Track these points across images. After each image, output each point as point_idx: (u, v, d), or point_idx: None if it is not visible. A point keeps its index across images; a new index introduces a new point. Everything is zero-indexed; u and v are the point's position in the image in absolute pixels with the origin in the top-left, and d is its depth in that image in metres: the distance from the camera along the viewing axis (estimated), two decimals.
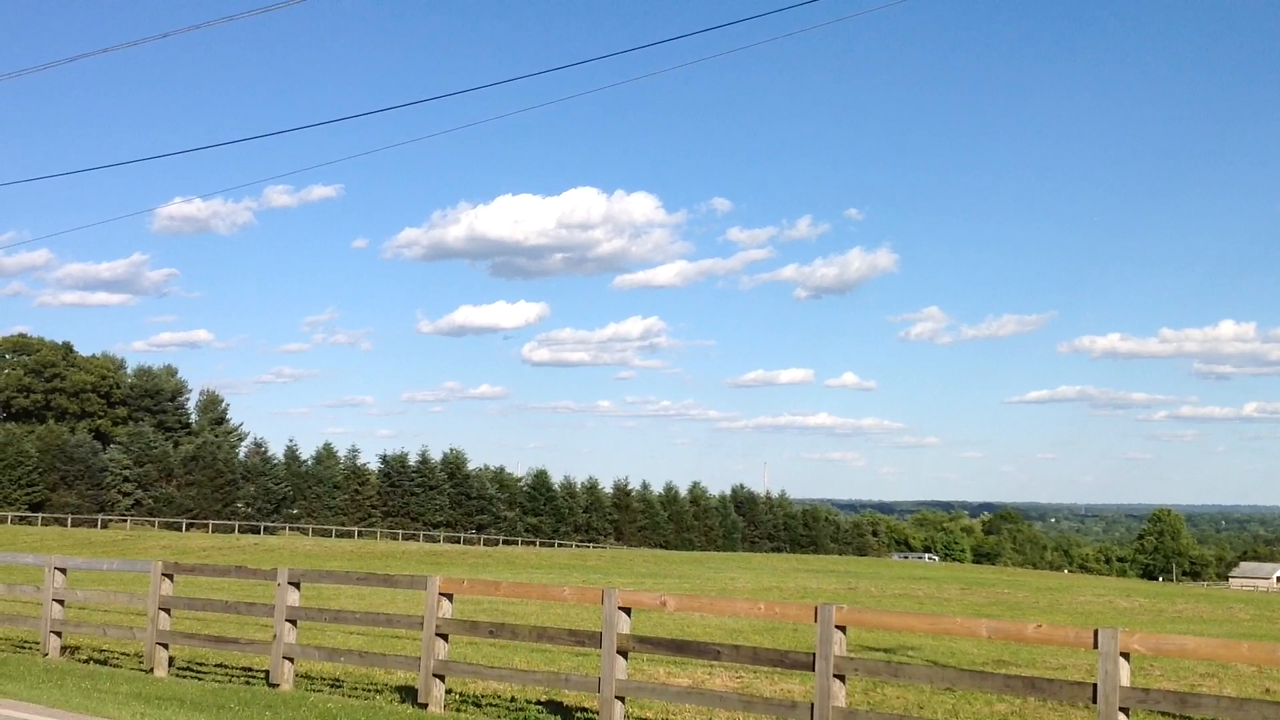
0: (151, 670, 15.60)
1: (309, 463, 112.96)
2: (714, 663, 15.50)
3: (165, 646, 15.83)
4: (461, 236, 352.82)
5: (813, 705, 10.62)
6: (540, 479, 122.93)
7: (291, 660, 14.56)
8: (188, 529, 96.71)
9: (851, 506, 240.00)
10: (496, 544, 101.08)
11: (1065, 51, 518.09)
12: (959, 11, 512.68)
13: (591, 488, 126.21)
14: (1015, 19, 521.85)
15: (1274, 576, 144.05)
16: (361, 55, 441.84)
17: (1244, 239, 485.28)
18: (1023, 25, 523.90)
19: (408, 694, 13.64)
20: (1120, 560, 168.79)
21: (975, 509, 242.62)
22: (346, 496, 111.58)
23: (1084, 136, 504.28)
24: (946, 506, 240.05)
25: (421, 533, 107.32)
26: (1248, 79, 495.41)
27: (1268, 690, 15.79)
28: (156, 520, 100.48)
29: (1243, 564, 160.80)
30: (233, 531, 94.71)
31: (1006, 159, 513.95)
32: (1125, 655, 9.26)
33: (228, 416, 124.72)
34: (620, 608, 11.94)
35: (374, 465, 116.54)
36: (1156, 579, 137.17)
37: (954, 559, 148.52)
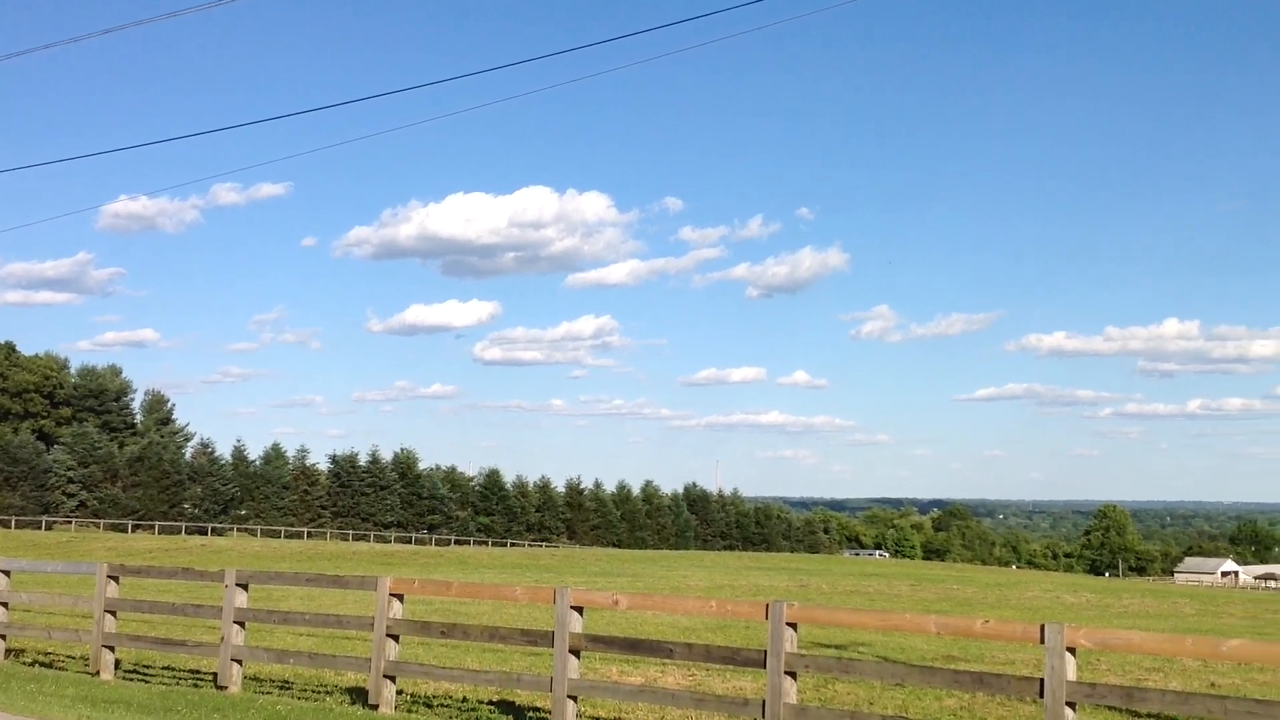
0: (98, 673, 15.41)
1: (257, 463, 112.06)
2: (667, 661, 15.53)
3: (111, 649, 15.63)
4: (412, 235, 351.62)
5: (764, 702, 10.66)
6: (492, 478, 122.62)
7: (240, 662, 14.43)
8: (134, 530, 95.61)
9: (803, 504, 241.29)
10: (448, 544, 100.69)
11: (1013, 52, 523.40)
12: (909, 11, 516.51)
13: (544, 487, 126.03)
14: (966, 18, 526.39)
15: (1218, 572, 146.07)
16: (311, 51, 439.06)
17: (1188, 239, 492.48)
18: (972, 24, 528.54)
19: (358, 695, 13.55)
20: (1067, 556, 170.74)
21: (925, 506, 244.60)
22: (296, 497, 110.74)
23: (1032, 137, 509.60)
24: (897, 504, 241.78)
25: (372, 533, 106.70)
26: (1196, 81, 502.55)
27: (1213, 684, 16.03)
28: (102, 522, 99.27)
29: (1187, 559, 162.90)
30: (180, 533, 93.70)
31: (955, 159, 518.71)
32: (1072, 650, 9.35)
33: (174, 417, 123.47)
34: (572, 607, 11.93)
35: (324, 465, 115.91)
36: (1103, 575, 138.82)
37: (904, 555, 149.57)
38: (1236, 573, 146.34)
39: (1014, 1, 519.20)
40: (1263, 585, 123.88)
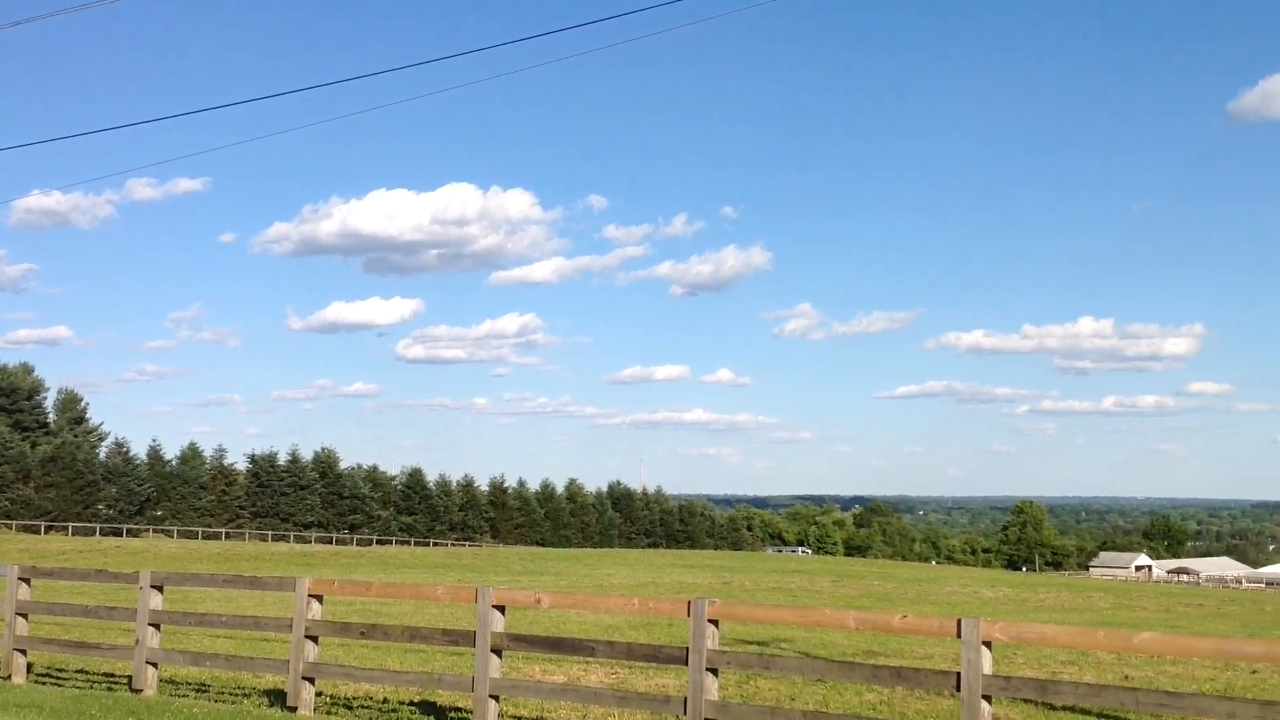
0: (9, 677, 15.09)
1: (173, 463, 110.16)
2: (589, 659, 15.51)
3: (23, 652, 15.31)
4: (333, 231, 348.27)
5: (686, 699, 10.69)
6: (415, 477, 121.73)
7: (155, 665, 14.21)
8: (46, 532, 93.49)
9: (727, 501, 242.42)
10: (370, 544, 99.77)
11: (931, 53, 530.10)
12: (829, 12, 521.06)
13: (467, 486, 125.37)
14: (885, 20, 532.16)
15: (1132, 566, 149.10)
16: (230, 44, 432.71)
17: (1102, 238, 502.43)
18: (891, 26, 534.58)
19: (276, 697, 13.40)
20: (985, 551, 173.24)
21: (847, 503, 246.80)
22: (213, 497, 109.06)
23: (949, 137, 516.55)
24: (819, 500, 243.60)
25: (292, 533, 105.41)
26: (1107, 82, 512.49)
27: (1126, 677, 16.32)
28: (14, 523, 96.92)
29: (1102, 554, 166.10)
30: (94, 534, 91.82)
31: (876, 158, 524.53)
32: (988, 644, 9.49)
33: (88, 416, 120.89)
34: (495, 606, 11.89)
35: (242, 465, 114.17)
36: (1020, 569, 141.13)
37: (826, 552, 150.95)
38: (1150, 567, 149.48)
39: (931, 3, 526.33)
40: (1175, 579, 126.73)
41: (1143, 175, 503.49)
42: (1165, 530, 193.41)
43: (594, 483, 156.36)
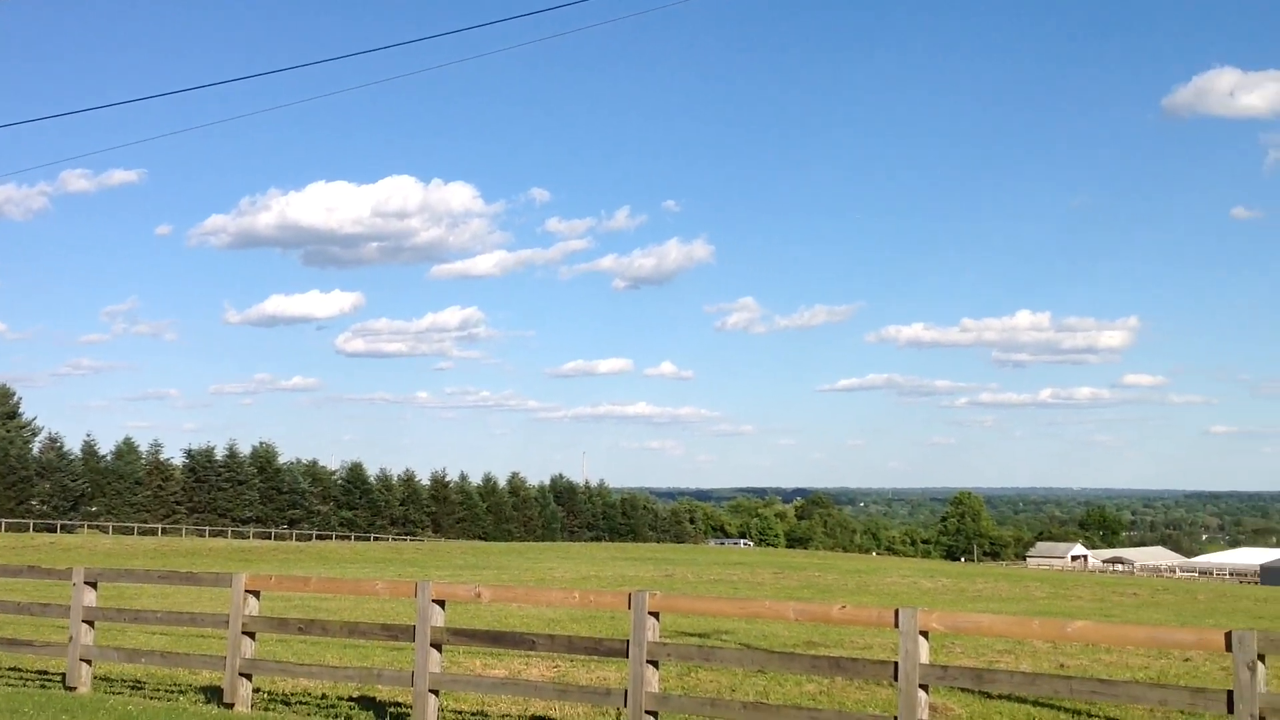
0: None
1: (108, 458, 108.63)
2: (530, 653, 15.48)
3: None
4: (272, 224, 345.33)
5: (626, 692, 10.71)
6: (355, 472, 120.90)
7: (89, 662, 14.02)
8: None
9: (669, 494, 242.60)
10: (310, 539, 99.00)
11: (872, 47, 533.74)
12: (771, 6, 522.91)
13: (408, 480, 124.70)
14: (824, 15, 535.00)
15: (1068, 556, 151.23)
16: (166, 34, 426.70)
17: (1039, 233, 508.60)
18: (831, 21, 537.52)
19: (213, 694, 13.27)
20: (925, 542, 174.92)
21: (789, 495, 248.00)
22: (149, 493, 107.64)
23: (891, 131, 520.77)
24: (761, 493, 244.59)
25: (230, 529, 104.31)
26: (1043, 76, 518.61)
27: (1062, 665, 16.54)
28: None
29: (1039, 544, 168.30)
30: (27, 530, 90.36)
31: (817, 152, 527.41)
32: (925, 634, 9.58)
33: (20, 410, 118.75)
34: (434, 600, 11.84)
35: (179, 460, 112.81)
36: (959, 560, 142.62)
37: (768, 544, 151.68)
38: (1085, 556, 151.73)
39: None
40: (1110, 569, 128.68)
41: (1079, 170, 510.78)
42: (1100, 521, 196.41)
43: (536, 476, 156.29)
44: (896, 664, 9.57)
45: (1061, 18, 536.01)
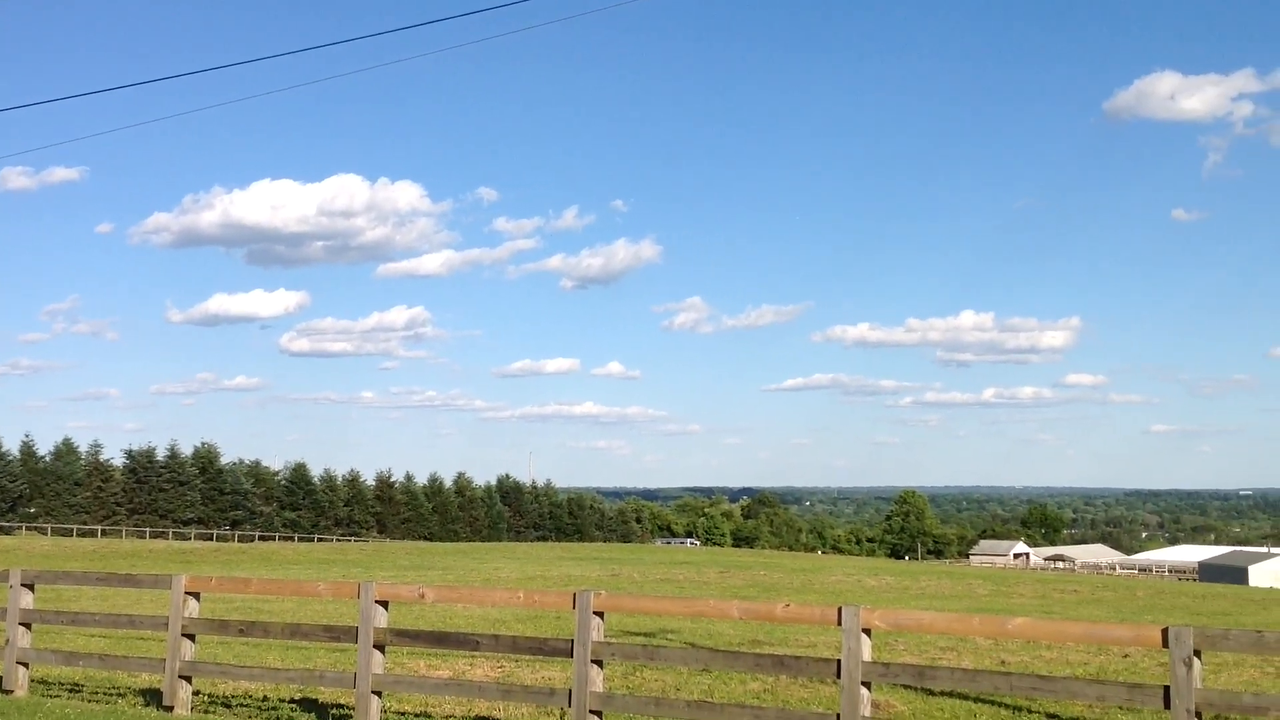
0: None
1: (47, 459, 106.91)
2: (475, 653, 15.43)
3: None
4: (215, 222, 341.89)
5: (571, 691, 10.69)
6: (299, 472, 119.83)
7: (26, 665, 13.83)
8: None
9: (617, 494, 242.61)
10: (252, 540, 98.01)
11: (818, 46, 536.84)
12: (718, 7, 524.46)
13: (353, 480, 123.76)
14: (772, 13, 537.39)
15: (1010, 553, 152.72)
16: (108, 29, 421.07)
17: (983, 234, 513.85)
18: (777, 19, 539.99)
19: (152, 696, 13.12)
20: (870, 541, 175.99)
21: (735, 494, 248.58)
22: (89, 494, 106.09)
23: (836, 132, 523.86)
24: (708, 492, 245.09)
25: (171, 530, 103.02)
26: (987, 79, 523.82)
27: (1003, 662, 16.70)
28: None
29: (982, 542, 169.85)
30: None
31: (764, 153, 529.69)
32: (867, 631, 9.64)
33: None
34: (377, 601, 11.76)
35: (119, 461, 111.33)
36: (903, 558, 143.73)
37: (714, 543, 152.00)
38: (1027, 554, 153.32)
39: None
40: (1051, 566, 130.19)
41: (1023, 172, 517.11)
42: (1042, 519, 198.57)
43: (483, 476, 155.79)
44: (839, 662, 9.62)
45: (1005, 22, 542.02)
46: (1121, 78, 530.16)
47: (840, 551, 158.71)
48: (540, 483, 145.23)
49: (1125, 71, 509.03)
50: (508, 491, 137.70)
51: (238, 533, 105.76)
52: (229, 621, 14.42)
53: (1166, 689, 8.52)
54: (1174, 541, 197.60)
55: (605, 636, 10.93)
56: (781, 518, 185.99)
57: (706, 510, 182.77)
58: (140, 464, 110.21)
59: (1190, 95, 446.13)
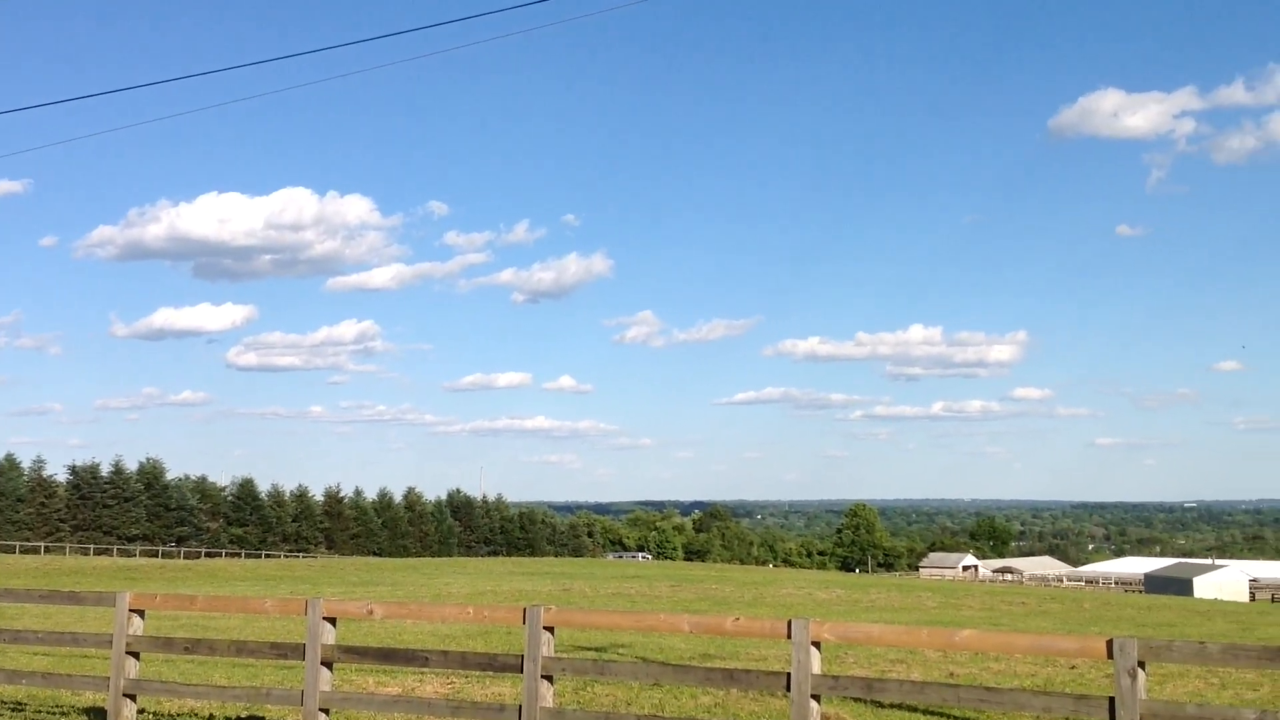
0: None
1: None
2: (424, 669, 15.33)
3: None
4: (161, 235, 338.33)
5: (521, 707, 10.65)
6: (246, 488, 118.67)
7: None
8: None
9: (568, 508, 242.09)
10: (199, 556, 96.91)
11: (768, 59, 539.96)
12: (668, 19, 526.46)
13: (301, 496, 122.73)
14: (722, 25, 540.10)
15: (959, 566, 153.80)
16: (53, 41, 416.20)
17: (931, 248, 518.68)
18: (727, 32, 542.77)
19: (97, 715, 12.94)
20: (821, 554, 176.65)
21: (687, 508, 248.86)
22: (31, 510, 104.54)
23: (786, 145, 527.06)
24: (660, 506, 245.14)
25: (116, 547, 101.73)
26: (936, 95, 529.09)
27: (951, 674, 16.80)
28: None
29: (931, 554, 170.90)
30: None
31: (715, 167, 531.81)
32: (817, 645, 9.67)
33: None
34: (325, 618, 11.66)
35: (62, 476, 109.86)
36: (854, 571, 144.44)
37: (666, 557, 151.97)
38: (976, 566, 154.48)
39: (764, 10, 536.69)
40: (1000, 578, 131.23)
41: (971, 187, 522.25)
42: (990, 531, 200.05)
43: (433, 491, 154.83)
44: (789, 675, 9.65)
45: (952, 38, 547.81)
46: (1066, 95, 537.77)
47: (791, 565, 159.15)
48: (491, 497, 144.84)
49: (1070, 89, 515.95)
50: (458, 506, 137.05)
51: (183, 549, 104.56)
52: (174, 639, 14.25)
53: (1111, 700, 8.60)
54: (1120, 553, 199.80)
55: (556, 651, 10.90)
56: (733, 531, 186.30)
57: (658, 524, 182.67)
58: (84, 480, 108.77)
59: (1133, 113, 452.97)
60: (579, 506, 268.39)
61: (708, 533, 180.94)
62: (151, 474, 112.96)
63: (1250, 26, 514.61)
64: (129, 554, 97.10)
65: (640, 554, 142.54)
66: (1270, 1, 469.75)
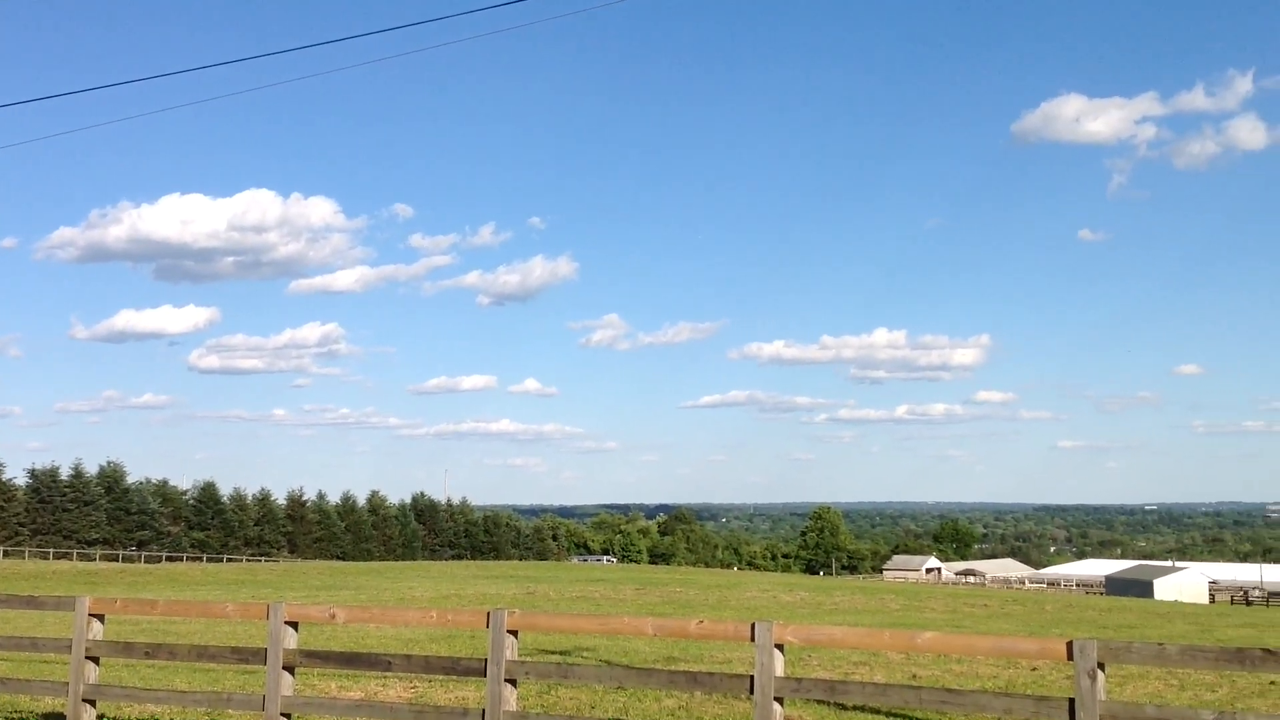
0: None
1: None
2: (387, 674, 15.28)
3: None
4: (123, 237, 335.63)
5: (484, 711, 10.62)
6: (208, 491, 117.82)
7: None
8: None
9: (533, 511, 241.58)
10: (159, 560, 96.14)
11: (733, 64, 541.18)
12: (634, 22, 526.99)
13: (264, 499, 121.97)
14: (687, 29, 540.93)
15: (923, 568, 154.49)
16: (14, 39, 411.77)
17: (896, 252, 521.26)
18: (692, 37, 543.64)
19: None
20: (785, 557, 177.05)
21: (652, 511, 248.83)
22: None
23: (753, 150, 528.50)
24: (625, 509, 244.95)
25: (76, 551, 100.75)
26: (902, 99, 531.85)
27: (914, 676, 16.88)
28: None
29: (895, 557, 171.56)
30: None
31: (682, 171, 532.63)
32: (780, 647, 9.70)
33: None
34: (287, 622, 11.60)
35: (22, 480, 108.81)
36: (818, 573, 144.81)
37: (631, 560, 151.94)
38: (939, 569, 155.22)
39: (730, 15, 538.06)
40: (963, 580, 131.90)
41: (935, 192, 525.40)
42: (954, 533, 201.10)
43: (397, 495, 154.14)
44: (753, 677, 9.67)
45: (915, 43, 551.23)
46: (1028, 100, 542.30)
47: (756, 568, 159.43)
48: (456, 501, 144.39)
49: (1032, 94, 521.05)
50: (422, 510, 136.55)
51: (144, 553, 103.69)
52: (134, 644, 14.12)
53: (1071, 701, 8.67)
54: (1081, 556, 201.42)
55: (519, 655, 10.88)
56: (698, 534, 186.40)
57: (623, 527, 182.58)
58: (44, 483, 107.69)
59: (1095, 118, 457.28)
60: (544, 510, 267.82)
61: (673, 536, 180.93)
62: (112, 477, 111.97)
63: (1211, 33, 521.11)
64: (89, 558, 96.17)
65: (605, 557, 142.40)
66: (1230, 8, 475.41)
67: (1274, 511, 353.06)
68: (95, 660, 12.51)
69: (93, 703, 12.41)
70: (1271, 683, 16.34)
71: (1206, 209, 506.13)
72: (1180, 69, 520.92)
